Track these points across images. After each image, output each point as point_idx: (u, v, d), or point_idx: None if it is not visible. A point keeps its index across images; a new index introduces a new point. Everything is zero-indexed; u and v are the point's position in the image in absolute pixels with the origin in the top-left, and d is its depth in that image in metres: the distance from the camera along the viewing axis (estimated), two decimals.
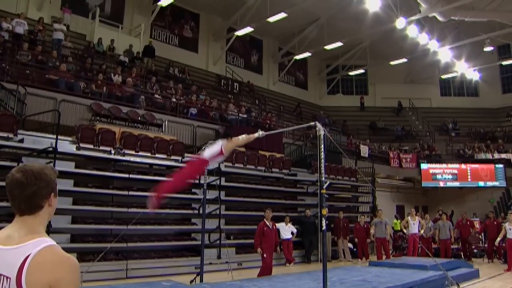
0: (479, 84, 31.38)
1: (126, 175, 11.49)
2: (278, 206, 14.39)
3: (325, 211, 6.47)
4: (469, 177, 24.10)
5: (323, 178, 6.58)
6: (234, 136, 6.53)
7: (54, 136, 10.14)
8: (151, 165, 12.58)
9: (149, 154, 12.24)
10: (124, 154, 11.67)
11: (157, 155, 12.40)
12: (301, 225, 14.61)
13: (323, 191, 6.54)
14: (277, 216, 12.74)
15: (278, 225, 12.08)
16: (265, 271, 10.15)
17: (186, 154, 13.06)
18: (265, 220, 10.39)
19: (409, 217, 15.09)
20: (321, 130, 6.70)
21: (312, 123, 7.08)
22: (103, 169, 11.37)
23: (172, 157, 12.69)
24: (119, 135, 12.03)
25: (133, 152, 11.91)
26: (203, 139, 14.63)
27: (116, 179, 11.61)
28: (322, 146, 6.68)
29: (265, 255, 10.07)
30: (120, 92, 14.58)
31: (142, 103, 14.89)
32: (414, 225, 14.69)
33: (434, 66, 29.88)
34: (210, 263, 11.68)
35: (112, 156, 11.50)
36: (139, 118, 13.77)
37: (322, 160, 6.59)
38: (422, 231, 14.91)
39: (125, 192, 11.36)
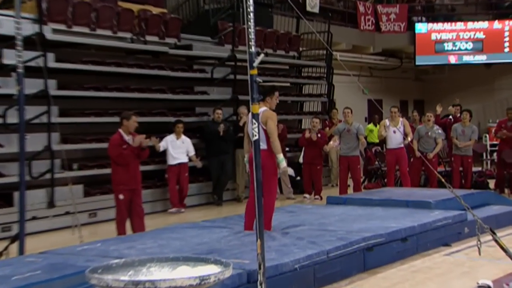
0: None
1: None
2: (160, 104, 9.20)
3: (256, 108, 3.56)
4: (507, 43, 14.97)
5: (253, 49, 3.51)
6: None
7: None
8: None
9: None
10: None
11: None
12: (205, 137, 9.26)
13: (254, 71, 3.52)
14: (159, 124, 8.73)
15: (165, 139, 8.22)
16: (121, 223, 6.02)
17: None
18: (120, 131, 6.05)
19: (387, 120, 9.31)
20: None
21: None
22: None
23: None
24: None
25: None
26: None
27: None
28: None
29: (120, 196, 5.91)
30: None
31: None
32: (396, 133, 8.97)
33: None
34: (34, 218, 6.78)
35: None
36: None
37: (251, 14, 3.49)
38: (408, 139, 8.99)
39: None
